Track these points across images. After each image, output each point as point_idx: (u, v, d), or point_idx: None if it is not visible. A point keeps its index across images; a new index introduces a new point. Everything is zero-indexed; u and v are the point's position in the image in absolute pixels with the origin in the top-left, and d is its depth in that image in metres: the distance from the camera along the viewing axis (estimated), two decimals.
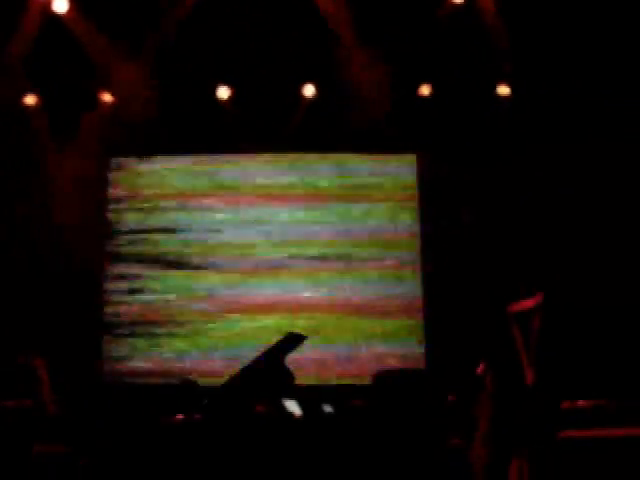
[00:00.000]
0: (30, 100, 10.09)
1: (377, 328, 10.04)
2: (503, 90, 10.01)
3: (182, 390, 8.91)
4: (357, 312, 10.13)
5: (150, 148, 10.42)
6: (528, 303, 6.06)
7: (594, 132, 9.76)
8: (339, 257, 10.32)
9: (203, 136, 10.22)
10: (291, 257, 10.33)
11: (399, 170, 10.45)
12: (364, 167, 10.47)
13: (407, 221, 10.34)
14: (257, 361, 7.21)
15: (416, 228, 10.31)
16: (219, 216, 10.46)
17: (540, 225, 9.61)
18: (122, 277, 10.36)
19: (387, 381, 6.53)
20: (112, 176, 10.52)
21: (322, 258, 10.32)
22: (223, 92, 10.12)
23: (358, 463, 6.00)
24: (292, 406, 6.74)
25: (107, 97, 10.09)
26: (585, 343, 8.33)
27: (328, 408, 6.69)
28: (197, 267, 10.34)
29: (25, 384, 7.39)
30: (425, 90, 10.06)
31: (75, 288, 9.98)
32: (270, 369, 7.15)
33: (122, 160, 10.56)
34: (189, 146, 10.35)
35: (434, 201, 10.22)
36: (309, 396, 7.12)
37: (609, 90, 9.65)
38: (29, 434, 6.90)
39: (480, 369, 6.29)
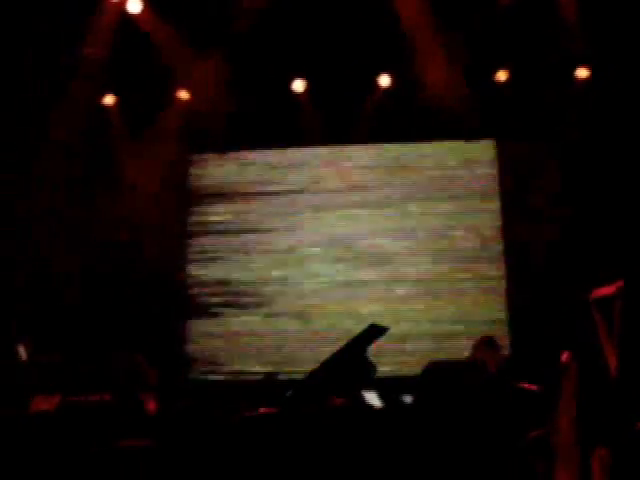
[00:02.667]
0: (109, 100, 10.25)
1: (459, 319, 9.95)
2: (582, 73, 9.82)
3: (265, 383, 9.01)
4: (438, 301, 10.09)
5: (228, 143, 10.49)
6: (609, 289, 5.94)
7: None
8: (423, 249, 10.29)
9: (280, 129, 10.24)
10: (373, 247, 10.31)
11: (478, 157, 10.35)
12: (443, 156, 10.39)
13: (488, 208, 10.24)
14: (339, 353, 7.23)
15: (497, 215, 10.20)
16: (302, 208, 10.50)
17: (622, 210, 9.41)
18: (205, 268, 10.48)
19: (436, 373, 6.44)
20: (192, 173, 10.64)
21: (406, 249, 10.28)
22: (299, 85, 10.13)
23: (433, 456, 5.95)
24: (372, 398, 6.73)
25: (184, 94, 10.18)
26: None
27: (409, 399, 6.65)
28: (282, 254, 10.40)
29: (126, 381, 7.56)
30: (502, 75, 9.93)
31: (159, 288, 10.13)
32: (351, 361, 7.15)
33: (201, 157, 10.66)
34: (267, 140, 10.40)
35: (514, 186, 10.08)
36: (390, 388, 7.11)
37: None
38: (112, 429, 7.02)
39: (564, 358, 6.20)
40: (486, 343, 7.44)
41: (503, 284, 10.05)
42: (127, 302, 9.98)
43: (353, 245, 10.36)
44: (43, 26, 9.10)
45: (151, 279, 10.08)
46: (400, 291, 10.19)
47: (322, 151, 10.58)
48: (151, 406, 7.66)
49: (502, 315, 9.93)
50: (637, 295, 5.87)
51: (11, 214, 9.82)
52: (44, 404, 7.38)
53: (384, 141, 10.44)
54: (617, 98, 9.59)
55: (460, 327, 9.85)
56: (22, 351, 8.10)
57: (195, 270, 10.48)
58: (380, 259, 10.30)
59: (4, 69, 9.40)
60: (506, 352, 9.49)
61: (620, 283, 5.89)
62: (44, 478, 6.69)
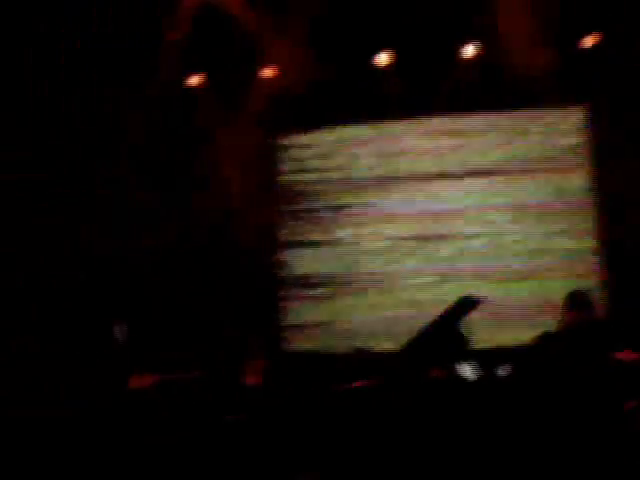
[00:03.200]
0: (194, 81, 10.30)
1: (555, 288, 9.75)
2: None
3: (358, 357, 9.00)
4: (534, 273, 9.96)
5: (313, 120, 10.46)
6: None
7: None
8: (515, 221, 10.15)
9: (365, 104, 10.16)
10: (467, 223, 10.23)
11: (568, 124, 10.13)
12: (532, 124, 10.20)
13: (579, 176, 10.04)
14: (432, 326, 7.19)
15: (589, 181, 9.99)
16: (388, 185, 10.44)
17: None
18: (296, 245, 10.52)
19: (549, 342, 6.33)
20: (279, 152, 10.65)
21: (504, 220, 10.19)
22: (383, 58, 10.04)
23: (532, 427, 5.87)
24: (466, 370, 6.66)
25: (268, 72, 10.18)
26: None
27: (503, 371, 6.56)
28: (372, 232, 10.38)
29: (237, 357, 7.68)
30: (590, 40, 9.69)
31: (250, 268, 10.19)
32: (445, 334, 7.11)
33: (288, 135, 10.65)
34: (351, 116, 10.34)
35: (605, 153, 9.84)
36: (484, 359, 7.03)
37: None
38: (215, 404, 7.13)
39: None
40: (572, 299, 7.13)
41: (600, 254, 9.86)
42: (224, 279, 10.07)
43: (451, 218, 10.28)
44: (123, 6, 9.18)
45: (245, 260, 10.16)
46: (502, 265, 10.07)
47: (410, 124, 10.46)
48: (253, 380, 7.75)
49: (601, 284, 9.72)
50: None
51: (105, 199, 9.97)
52: (141, 383, 7.51)
53: (469, 111, 10.25)
54: None
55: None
56: (119, 332, 8.24)
57: (289, 248, 10.56)
58: (480, 231, 10.20)
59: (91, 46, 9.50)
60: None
61: None
62: (142, 455, 6.79)
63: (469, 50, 9.91)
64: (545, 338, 6.42)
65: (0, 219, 9.09)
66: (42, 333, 8.20)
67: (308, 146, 10.62)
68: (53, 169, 9.42)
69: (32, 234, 9.12)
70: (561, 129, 10.14)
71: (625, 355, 6.67)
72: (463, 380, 6.61)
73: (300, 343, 10.32)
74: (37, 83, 9.39)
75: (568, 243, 9.99)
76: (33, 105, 9.48)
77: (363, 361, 8.56)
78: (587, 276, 9.76)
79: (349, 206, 10.48)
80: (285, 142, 10.67)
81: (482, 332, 8.79)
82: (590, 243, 9.93)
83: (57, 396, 7.03)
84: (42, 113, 9.49)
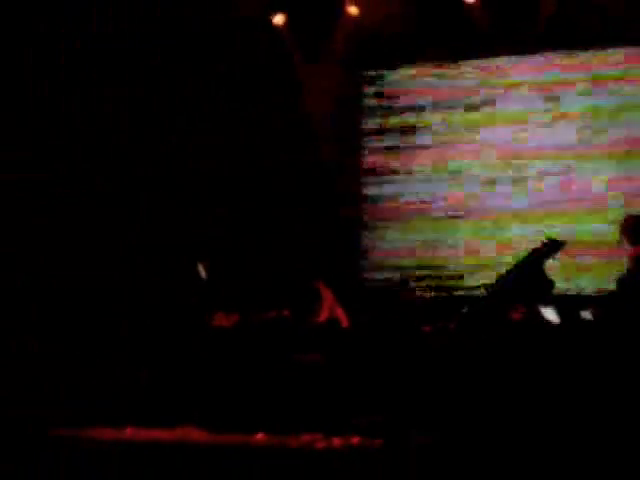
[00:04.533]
0: (278, 19, 10.24)
1: None
2: None
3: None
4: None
5: (399, 57, 10.34)
6: None
7: None
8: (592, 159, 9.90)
9: (450, 42, 10.00)
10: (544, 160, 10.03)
11: None
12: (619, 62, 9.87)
13: None
14: (516, 268, 7.11)
15: None
16: (482, 123, 10.29)
17: None
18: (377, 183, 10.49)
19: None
20: (364, 88, 10.56)
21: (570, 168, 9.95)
22: None
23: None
24: (550, 313, 6.58)
25: (353, 10, 10.07)
26: None
27: (588, 315, 6.46)
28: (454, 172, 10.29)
29: (310, 304, 7.75)
30: None
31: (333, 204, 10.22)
32: (529, 276, 7.03)
33: (374, 72, 10.54)
34: (436, 53, 10.20)
35: None
36: (568, 303, 6.94)
37: None
38: (288, 343, 7.20)
39: None
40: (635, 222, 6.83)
41: None
42: (304, 224, 10.10)
43: (533, 156, 10.08)
44: None
45: (327, 192, 10.20)
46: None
47: (498, 61, 10.24)
48: (343, 321, 7.83)
49: None
50: None
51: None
52: (224, 321, 7.61)
53: (559, 49, 9.97)
54: None
55: None
56: (202, 270, 8.33)
57: (370, 187, 10.50)
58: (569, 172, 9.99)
59: None
60: None
61: None
62: (221, 392, 6.92)
63: None
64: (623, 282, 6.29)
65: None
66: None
67: (394, 82, 10.48)
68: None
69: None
70: None
71: None
72: (546, 323, 6.53)
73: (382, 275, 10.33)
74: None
75: None
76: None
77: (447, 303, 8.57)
78: None
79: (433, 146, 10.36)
80: (371, 78, 10.54)
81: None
82: None
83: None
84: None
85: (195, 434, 6.40)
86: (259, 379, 6.96)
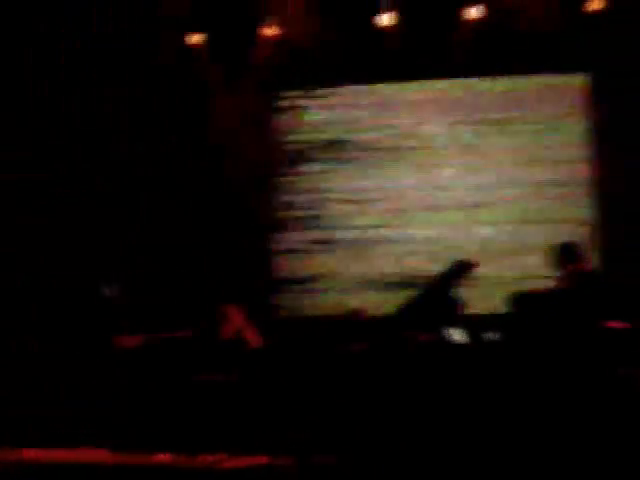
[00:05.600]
0: (196, 38, 10.20)
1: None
2: None
3: (350, 320, 8.99)
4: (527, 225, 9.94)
5: (315, 80, 10.38)
6: None
7: None
8: (510, 181, 10.08)
9: (367, 66, 10.07)
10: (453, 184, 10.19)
11: (570, 90, 10.03)
12: (533, 89, 10.11)
13: (578, 142, 9.96)
14: (424, 290, 7.19)
15: (588, 149, 9.92)
16: (387, 146, 10.36)
17: None
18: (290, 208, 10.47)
19: (525, 303, 6.32)
20: (278, 110, 10.56)
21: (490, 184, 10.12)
22: (385, 19, 9.92)
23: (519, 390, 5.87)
24: (457, 334, 6.66)
25: (270, 31, 10.07)
26: None
27: (493, 336, 6.55)
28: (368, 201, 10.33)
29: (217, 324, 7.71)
30: (596, 4, 9.55)
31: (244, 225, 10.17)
32: (437, 297, 7.11)
33: (287, 93, 10.55)
34: (353, 76, 10.25)
35: (606, 122, 9.75)
36: (476, 324, 7.02)
37: None
38: (192, 363, 7.16)
39: None
40: (563, 251, 7.16)
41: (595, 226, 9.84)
42: (214, 241, 10.05)
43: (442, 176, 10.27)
44: None
45: (236, 215, 10.16)
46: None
47: (411, 86, 10.39)
48: (254, 342, 7.79)
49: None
50: None
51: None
52: (129, 342, 7.53)
53: (473, 75, 10.18)
54: None
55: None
56: (108, 291, 8.24)
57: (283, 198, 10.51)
58: (471, 193, 10.17)
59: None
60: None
61: None
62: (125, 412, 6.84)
63: (472, 12, 9.78)
64: (526, 299, 6.40)
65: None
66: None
67: (309, 105, 10.52)
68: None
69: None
70: (562, 95, 10.03)
71: (614, 324, 6.66)
72: (452, 344, 6.60)
73: (291, 300, 10.31)
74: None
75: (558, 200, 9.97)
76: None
77: (356, 324, 8.57)
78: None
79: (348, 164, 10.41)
80: (286, 100, 10.56)
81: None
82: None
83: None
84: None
85: (97, 454, 6.30)
86: (163, 399, 6.89)
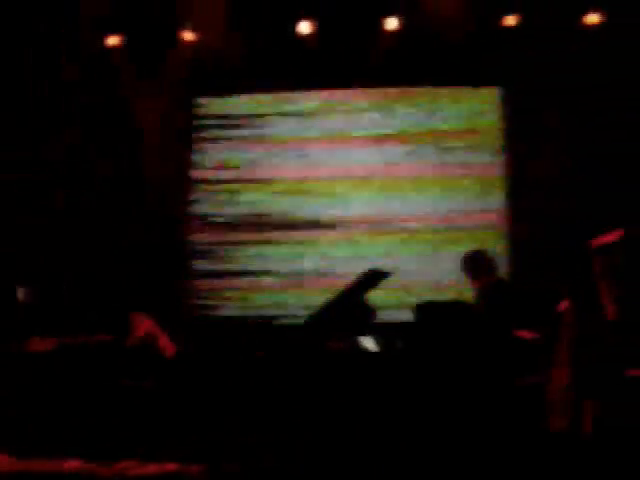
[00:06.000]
0: (113, 41, 10.12)
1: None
2: (592, 19, 9.63)
3: (261, 328, 9.03)
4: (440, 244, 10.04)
5: (233, 86, 10.37)
6: (609, 237, 5.88)
7: None
8: (424, 192, 10.22)
9: (285, 72, 10.11)
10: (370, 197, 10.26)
11: (483, 104, 10.21)
12: (446, 101, 10.26)
13: (490, 157, 10.13)
14: (337, 298, 7.22)
15: (500, 163, 10.10)
16: (304, 154, 10.41)
17: (623, 161, 9.30)
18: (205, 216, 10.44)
19: (429, 313, 6.42)
20: (195, 115, 10.54)
21: (408, 190, 10.23)
22: (304, 27, 9.97)
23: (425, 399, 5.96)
24: (368, 342, 6.72)
25: (188, 35, 10.05)
26: None
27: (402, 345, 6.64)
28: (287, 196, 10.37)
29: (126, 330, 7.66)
30: (511, 20, 9.74)
31: (160, 230, 10.10)
32: (349, 305, 7.15)
33: (205, 98, 10.54)
34: (272, 83, 10.26)
35: (518, 136, 9.95)
36: (389, 332, 7.09)
37: None
38: (113, 368, 7.12)
39: (563, 306, 6.16)
40: (472, 262, 7.21)
41: (505, 231, 10.00)
42: (127, 243, 9.97)
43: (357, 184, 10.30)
44: None
45: (152, 219, 10.06)
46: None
47: (326, 94, 10.43)
48: (168, 349, 7.77)
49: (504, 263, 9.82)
50: (637, 244, 5.83)
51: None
52: (41, 345, 7.44)
53: (389, 85, 10.28)
54: (630, 46, 9.38)
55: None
56: (21, 293, 8.14)
57: (198, 209, 10.45)
58: (382, 200, 10.25)
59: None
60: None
61: (620, 232, 5.84)
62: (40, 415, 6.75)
63: (391, 23, 9.88)
64: (429, 309, 6.49)
65: None
66: None
67: (225, 110, 10.51)
68: None
69: None
70: (476, 108, 10.20)
71: (523, 334, 6.80)
72: (363, 352, 6.66)
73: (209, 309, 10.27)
74: None
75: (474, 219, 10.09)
76: None
77: (268, 332, 8.62)
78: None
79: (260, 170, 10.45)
80: (203, 105, 10.53)
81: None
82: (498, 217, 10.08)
83: None
84: None
85: (2, 460, 6.20)
86: (74, 403, 6.83)
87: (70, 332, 7.72)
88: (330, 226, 10.20)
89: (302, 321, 7.76)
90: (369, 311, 7.29)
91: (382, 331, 7.03)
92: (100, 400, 6.85)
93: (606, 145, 9.36)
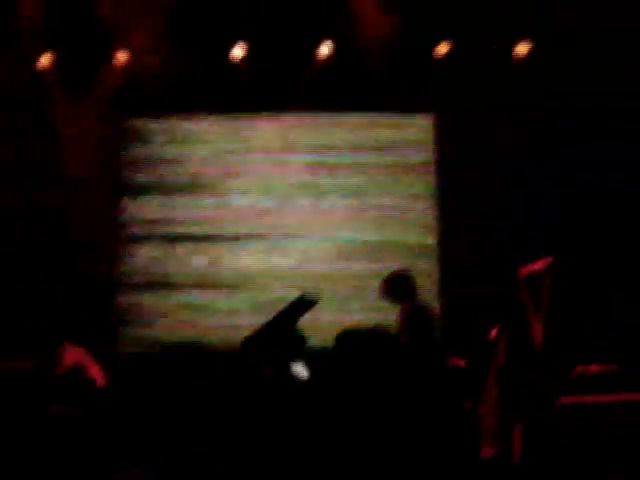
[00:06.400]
0: (45, 60, 10.02)
1: None
2: (522, 48, 9.82)
3: (195, 354, 8.99)
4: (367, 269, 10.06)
5: (165, 108, 10.31)
6: (538, 266, 5.97)
7: (622, 93, 9.52)
8: (354, 218, 10.26)
9: (217, 96, 10.09)
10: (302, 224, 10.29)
11: (416, 130, 10.31)
12: (380, 127, 10.33)
13: (423, 182, 10.24)
14: (267, 324, 7.22)
15: (432, 190, 10.20)
16: (232, 179, 10.38)
17: (551, 188, 9.49)
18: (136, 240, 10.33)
19: (349, 341, 6.40)
20: (126, 137, 10.44)
21: (337, 216, 10.27)
22: (238, 51, 9.99)
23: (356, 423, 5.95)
24: (299, 369, 6.72)
25: (121, 56, 9.99)
26: (596, 307, 8.28)
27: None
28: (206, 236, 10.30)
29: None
30: (443, 48, 9.87)
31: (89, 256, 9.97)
32: (280, 332, 7.14)
33: (136, 121, 10.46)
34: (204, 106, 10.24)
35: (451, 162, 10.06)
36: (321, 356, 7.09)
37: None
38: (44, 396, 7.02)
39: (493, 334, 6.24)
40: (395, 286, 7.11)
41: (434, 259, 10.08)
42: (56, 269, 9.81)
43: (284, 212, 10.31)
44: None
45: (81, 247, 9.91)
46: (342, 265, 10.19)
47: (259, 118, 10.42)
48: (98, 379, 7.68)
49: (434, 291, 9.91)
50: (565, 272, 5.93)
51: None
52: None
53: (321, 110, 10.31)
54: (558, 74, 9.57)
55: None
56: None
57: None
58: (312, 226, 10.26)
59: None
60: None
61: (549, 260, 5.93)
62: None
63: (324, 49, 9.95)
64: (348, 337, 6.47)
65: None
66: None
67: (156, 134, 10.44)
68: None
69: None
70: (408, 135, 10.30)
71: (454, 361, 6.87)
72: (294, 379, 6.66)
73: (137, 337, 10.13)
74: None
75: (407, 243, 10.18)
76: None
77: (200, 357, 8.57)
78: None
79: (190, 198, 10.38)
80: (134, 128, 10.45)
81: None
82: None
83: None
84: None
85: None
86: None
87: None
88: None
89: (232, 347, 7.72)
90: (299, 338, 7.28)
91: (311, 357, 7.01)
92: (28, 428, 6.74)
93: (538, 172, 9.55)
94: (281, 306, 7.32)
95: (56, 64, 10.03)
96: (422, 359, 6.38)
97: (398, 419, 5.76)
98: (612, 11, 9.02)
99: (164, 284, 10.14)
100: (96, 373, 7.83)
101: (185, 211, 10.31)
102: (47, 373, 7.42)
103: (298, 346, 7.17)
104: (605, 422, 6.36)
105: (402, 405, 5.82)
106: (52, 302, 9.49)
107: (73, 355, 7.76)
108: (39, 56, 9.97)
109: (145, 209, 10.30)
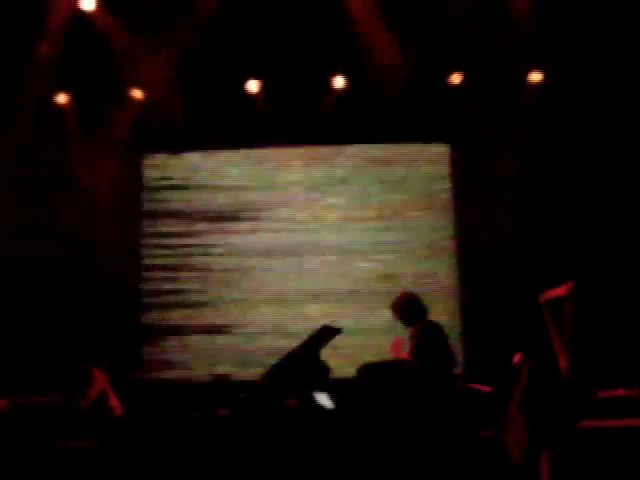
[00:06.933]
0: (61, 99, 10.13)
1: None
2: (535, 77, 9.88)
3: (216, 385, 8.98)
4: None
5: (181, 143, 10.40)
6: (560, 291, 5.96)
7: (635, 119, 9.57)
8: (376, 247, 10.34)
9: (234, 130, 10.18)
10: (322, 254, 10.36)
11: (432, 161, 10.39)
12: (396, 158, 10.41)
13: (441, 213, 10.31)
14: (291, 355, 7.21)
15: (451, 219, 10.28)
16: (257, 209, 10.47)
17: (572, 212, 9.51)
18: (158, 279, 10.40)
19: (371, 374, 6.39)
20: (144, 172, 10.54)
21: (360, 245, 10.36)
22: (253, 85, 10.08)
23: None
24: (324, 399, 6.71)
25: (137, 94, 10.09)
26: (621, 330, 8.24)
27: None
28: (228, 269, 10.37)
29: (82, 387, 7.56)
30: (456, 79, 9.94)
31: (111, 291, 10.01)
32: (304, 363, 7.14)
33: (154, 156, 10.55)
34: (221, 141, 10.35)
35: (468, 192, 10.14)
36: (343, 389, 7.08)
37: None
38: (54, 429, 7.03)
39: (516, 360, 6.22)
40: (406, 307, 7.02)
41: (456, 288, 10.11)
42: (80, 304, 9.86)
43: (306, 243, 10.39)
44: None
45: (104, 280, 9.96)
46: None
47: (276, 151, 10.52)
48: (116, 409, 7.70)
49: (456, 321, 9.93)
50: (588, 297, 5.92)
51: None
52: None
53: (339, 143, 10.43)
54: (570, 103, 9.61)
55: None
56: None
57: (149, 274, 10.39)
58: (334, 256, 10.35)
59: None
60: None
61: (571, 284, 5.92)
62: None
63: (339, 82, 10.03)
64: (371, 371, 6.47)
65: None
66: None
67: (174, 169, 10.53)
68: None
69: None
70: (425, 165, 10.37)
71: (477, 386, 6.85)
72: (320, 409, 6.65)
73: (160, 371, 10.16)
74: None
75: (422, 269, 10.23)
76: None
77: (223, 388, 8.56)
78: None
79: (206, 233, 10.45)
80: (151, 163, 10.54)
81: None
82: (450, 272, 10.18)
83: None
84: None
85: None
86: (25, 465, 6.72)
87: (23, 392, 7.63)
88: None
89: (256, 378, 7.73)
90: (323, 368, 7.27)
91: (335, 388, 7.01)
92: (45, 463, 6.74)
93: (556, 199, 9.57)
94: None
95: (72, 102, 10.14)
96: (433, 385, 6.37)
97: (418, 449, 5.78)
98: (625, 39, 9.06)
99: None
100: (114, 402, 7.86)
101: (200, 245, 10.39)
102: (69, 405, 7.44)
103: (321, 376, 7.16)
104: (631, 446, 6.34)
105: (420, 435, 5.83)
106: (74, 329, 9.54)
107: (99, 382, 7.79)
108: (56, 94, 10.08)
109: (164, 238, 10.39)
